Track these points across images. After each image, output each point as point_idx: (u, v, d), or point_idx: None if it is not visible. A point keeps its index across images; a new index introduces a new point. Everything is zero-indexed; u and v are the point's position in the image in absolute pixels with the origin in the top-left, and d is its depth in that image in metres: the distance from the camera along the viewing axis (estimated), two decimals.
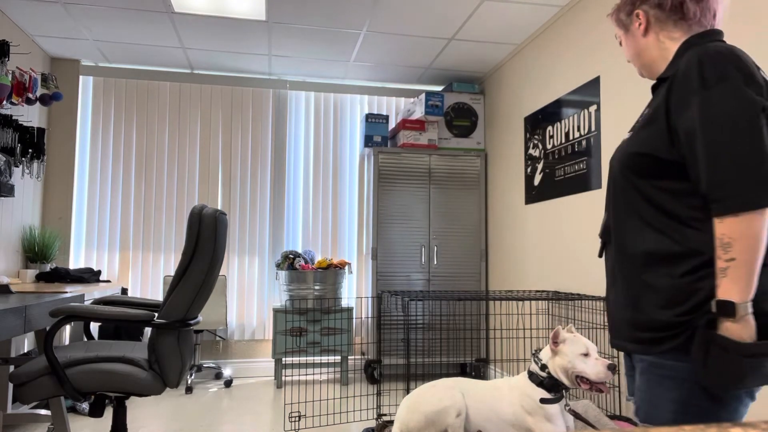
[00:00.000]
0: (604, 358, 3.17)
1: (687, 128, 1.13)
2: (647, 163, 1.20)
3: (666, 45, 1.30)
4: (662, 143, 1.17)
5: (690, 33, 1.28)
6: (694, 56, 1.15)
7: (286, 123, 5.05)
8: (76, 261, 4.65)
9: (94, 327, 4.23)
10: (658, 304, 1.16)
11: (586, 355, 2.26)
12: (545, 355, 2.38)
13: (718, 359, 1.07)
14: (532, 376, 2.38)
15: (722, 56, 1.12)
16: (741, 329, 1.06)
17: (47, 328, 2.55)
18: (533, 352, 2.46)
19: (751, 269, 1.05)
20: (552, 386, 2.32)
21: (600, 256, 1.40)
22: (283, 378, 4.62)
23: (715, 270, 1.10)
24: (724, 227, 1.07)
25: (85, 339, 3.41)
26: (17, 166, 3.87)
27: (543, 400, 2.31)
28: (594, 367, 2.23)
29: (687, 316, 1.13)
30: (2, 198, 3.84)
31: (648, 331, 1.18)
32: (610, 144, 3.17)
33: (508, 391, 2.43)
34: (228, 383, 4.42)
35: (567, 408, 2.33)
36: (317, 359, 4.71)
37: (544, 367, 2.35)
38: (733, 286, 1.06)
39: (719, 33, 1.26)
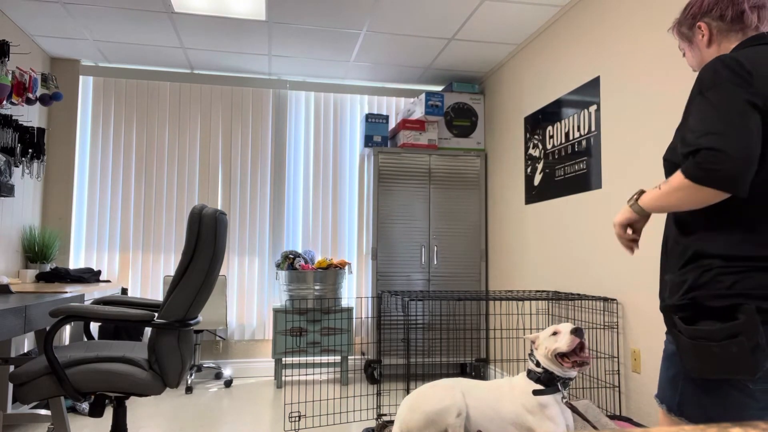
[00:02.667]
0: (606, 357, 3.17)
1: (688, 124, 1.23)
2: (669, 167, 1.34)
3: None
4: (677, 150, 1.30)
5: (742, 41, 1.33)
6: (701, 71, 1.26)
7: (286, 123, 5.05)
8: (76, 261, 4.65)
9: (94, 327, 4.23)
10: (664, 295, 1.32)
11: (555, 333, 2.39)
12: (536, 353, 2.46)
13: (678, 341, 1.23)
14: (530, 374, 2.42)
15: (719, 64, 1.21)
16: (623, 211, 1.37)
17: (47, 328, 2.56)
18: (529, 352, 2.49)
19: (657, 197, 1.26)
20: (548, 381, 2.36)
21: None
22: (283, 378, 4.62)
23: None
24: (675, 176, 1.23)
25: (85, 339, 3.41)
26: (17, 166, 3.87)
27: (536, 392, 2.34)
28: (564, 340, 2.33)
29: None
30: (2, 198, 3.84)
31: (664, 315, 1.33)
32: (610, 144, 3.17)
33: (509, 391, 2.44)
34: (228, 383, 4.41)
35: (564, 401, 2.34)
36: (317, 359, 4.71)
37: (538, 364, 2.42)
38: (648, 193, 1.30)
39: (764, 36, 1.30)
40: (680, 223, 1.30)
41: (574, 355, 2.32)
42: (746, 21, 1.32)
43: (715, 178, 1.13)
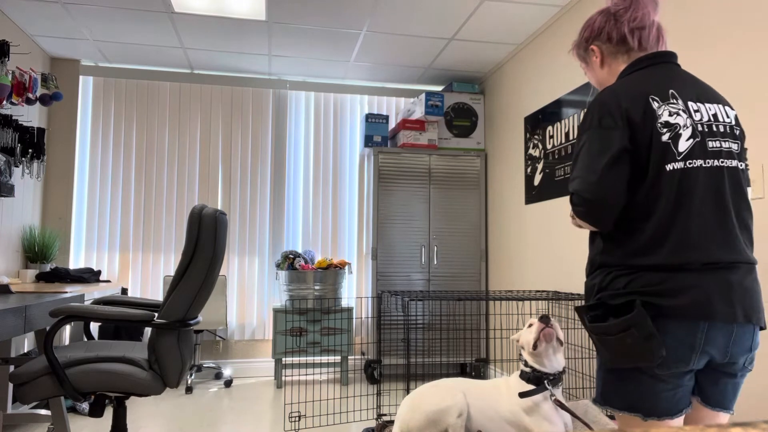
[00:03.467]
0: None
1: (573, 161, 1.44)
2: None
3: (616, 75, 1.52)
4: None
5: (629, 63, 1.49)
6: (587, 108, 1.44)
7: (286, 123, 5.05)
8: (76, 261, 4.65)
9: (94, 327, 4.23)
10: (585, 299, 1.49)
11: (530, 326, 2.48)
12: (523, 351, 2.51)
13: (591, 338, 1.41)
14: (522, 374, 2.45)
15: (597, 105, 1.38)
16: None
17: (47, 328, 2.56)
18: (519, 353, 2.53)
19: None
20: (537, 379, 2.39)
21: None
22: (283, 378, 4.62)
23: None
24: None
25: (85, 339, 3.41)
26: (17, 166, 3.87)
27: (521, 394, 2.35)
28: (533, 328, 2.44)
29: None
30: (2, 198, 3.84)
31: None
32: None
33: (506, 391, 2.45)
34: (228, 383, 4.42)
35: (552, 398, 2.35)
36: (317, 359, 4.71)
37: (527, 363, 2.45)
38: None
39: (643, 60, 1.46)
40: (591, 239, 1.48)
41: (541, 342, 2.39)
42: (629, 44, 1.48)
43: (582, 216, 1.36)
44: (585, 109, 1.36)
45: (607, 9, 1.53)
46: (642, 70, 1.43)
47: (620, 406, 1.35)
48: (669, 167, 1.32)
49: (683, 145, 1.33)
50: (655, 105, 1.35)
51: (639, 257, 1.33)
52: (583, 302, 1.49)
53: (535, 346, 2.38)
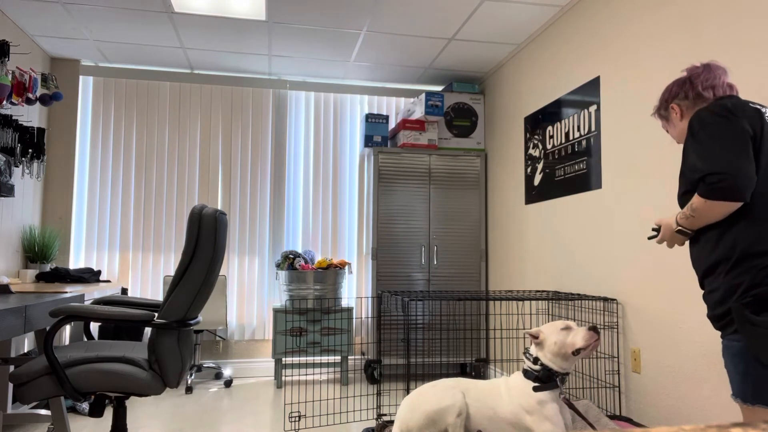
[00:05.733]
0: (606, 357, 3.17)
1: (689, 162, 1.61)
2: (687, 198, 1.70)
3: None
4: (685, 182, 1.69)
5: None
6: (689, 122, 1.65)
7: (286, 123, 5.05)
8: (76, 261, 4.65)
9: (94, 327, 4.23)
10: (716, 300, 1.59)
11: (567, 329, 2.37)
12: (534, 350, 2.43)
13: (752, 333, 1.47)
14: (527, 373, 2.40)
15: (701, 112, 1.60)
16: (676, 239, 1.74)
17: (47, 328, 2.56)
18: (524, 351, 2.48)
19: (692, 220, 1.62)
20: (547, 378, 2.35)
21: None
22: (283, 378, 4.62)
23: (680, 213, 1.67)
24: (694, 200, 1.59)
25: (85, 339, 3.41)
26: (17, 166, 3.87)
27: (536, 387, 2.33)
28: (580, 335, 2.34)
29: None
30: (2, 198, 3.84)
31: (716, 321, 1.61)
32: (610, 144, 3.18)
33: (506, 391, 2.43)
34: (228, 383, 4.42)
35: (561, 396, 2.34)
36: (317, 359, 4.71)
37: (536, 360, 2.38)
38: (683, 219, 1.66)
39: (724, 97, 1.68)
40: (706, 237, 1.61)
41: (585, 350, 2.33)
42: (704, 97, 1.74)
43: (721, 193, 1.48)
44: (696, 117, 1.68)
45: (682, 77, 1.81)
46: (727, 99, 1.67)
47: None
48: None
49: None
50: (763, 109, 1.61)
51: None
52: (707, 303, 1.63)
53: (578, 352, 2.33)
